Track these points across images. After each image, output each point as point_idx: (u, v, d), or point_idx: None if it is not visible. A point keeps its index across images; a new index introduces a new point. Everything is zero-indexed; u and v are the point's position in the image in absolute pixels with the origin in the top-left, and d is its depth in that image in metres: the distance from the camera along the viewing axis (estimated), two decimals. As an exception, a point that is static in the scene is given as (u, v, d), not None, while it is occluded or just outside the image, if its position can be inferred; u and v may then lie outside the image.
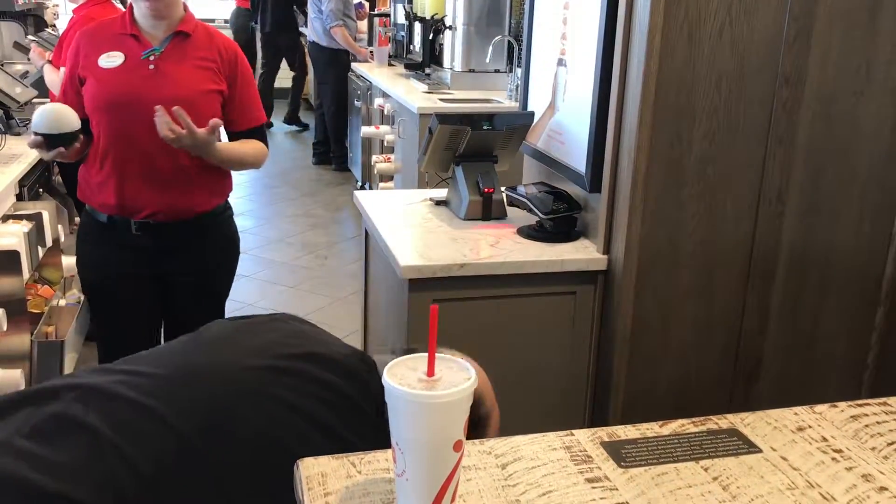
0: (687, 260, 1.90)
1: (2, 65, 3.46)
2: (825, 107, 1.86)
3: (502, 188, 2.22)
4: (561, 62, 2.15)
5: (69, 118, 2.03)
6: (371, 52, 6.03)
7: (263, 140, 2.30)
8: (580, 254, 1.98)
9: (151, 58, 2.11)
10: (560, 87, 2.16)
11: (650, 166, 1.81)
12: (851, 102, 1.87)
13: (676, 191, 1.84)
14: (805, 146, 1.88)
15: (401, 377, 0.81)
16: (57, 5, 6.08)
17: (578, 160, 2.03)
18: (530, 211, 2.08)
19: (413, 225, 2.16)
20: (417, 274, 1.87)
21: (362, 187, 5.41)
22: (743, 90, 1.81)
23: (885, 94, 1.88)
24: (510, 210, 2.21)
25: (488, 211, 2.18)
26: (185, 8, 2.21)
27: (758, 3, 1.76)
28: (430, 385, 0.80)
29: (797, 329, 2.01)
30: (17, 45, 4.34)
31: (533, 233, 2.07)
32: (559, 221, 2.05)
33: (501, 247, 2.00)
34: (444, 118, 2.14)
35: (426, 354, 0.82)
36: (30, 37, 4.76)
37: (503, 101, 4.20)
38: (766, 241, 1.92)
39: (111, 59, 2.10)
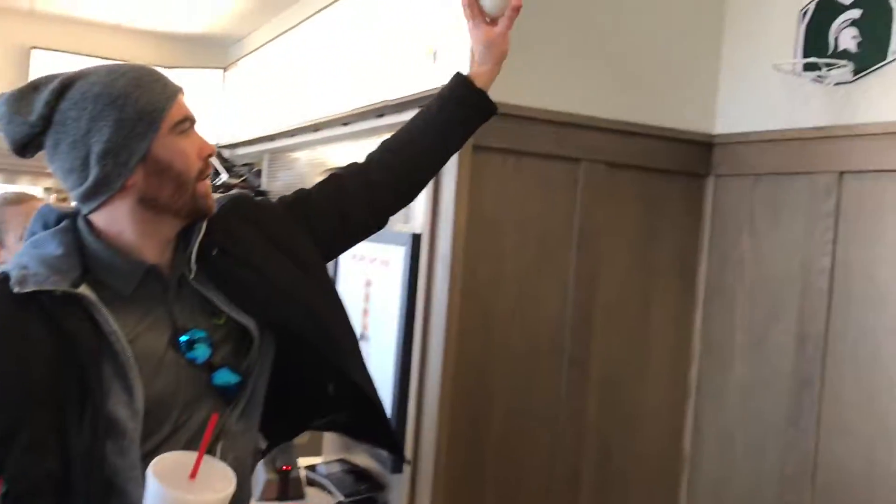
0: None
1: None
2: (609, 387, 1.98)
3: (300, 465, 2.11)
4: (363, 336, 2.17)
5: None
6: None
7: None
8: (382, 539, 1.88)
9: None
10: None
11: (451, 444, 1.80)
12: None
13: (479, 469, 1.83)
14: (594, 425, 1.96)
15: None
16: None
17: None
18: (330, 493, 1.98)
19: None
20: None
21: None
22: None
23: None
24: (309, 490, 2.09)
25: (284, 492, 2.05)
26: None
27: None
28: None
29: None
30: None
31: (333, 515, 1.96)
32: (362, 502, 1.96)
33: (298, 533, 1.86)
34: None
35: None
36: None
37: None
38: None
39: None
